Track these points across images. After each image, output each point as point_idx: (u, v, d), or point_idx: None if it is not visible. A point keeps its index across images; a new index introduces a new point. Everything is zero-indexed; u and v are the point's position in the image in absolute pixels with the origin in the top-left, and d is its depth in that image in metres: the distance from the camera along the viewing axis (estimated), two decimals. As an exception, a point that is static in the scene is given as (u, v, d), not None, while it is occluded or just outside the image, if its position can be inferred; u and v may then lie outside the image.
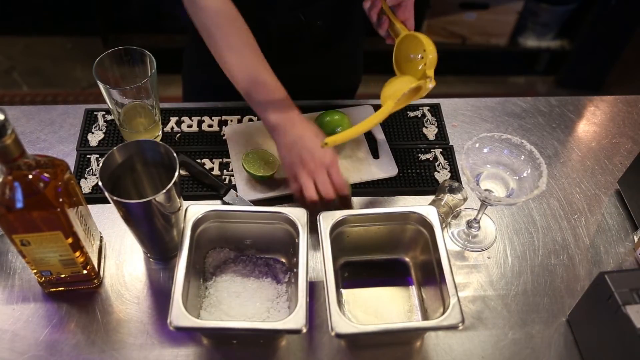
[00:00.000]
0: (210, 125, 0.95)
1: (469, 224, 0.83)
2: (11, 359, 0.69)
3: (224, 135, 0.93)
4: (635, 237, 0.84)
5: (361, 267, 0.78)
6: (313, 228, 0.78)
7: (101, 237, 0.79)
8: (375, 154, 0.92)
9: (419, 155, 0.92)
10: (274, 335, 0.71)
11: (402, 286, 0.77)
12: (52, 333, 0.72)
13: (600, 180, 0.92)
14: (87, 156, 0.90)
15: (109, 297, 0.75)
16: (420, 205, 0.78)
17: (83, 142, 0.92)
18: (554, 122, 1.00)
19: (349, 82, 1.16)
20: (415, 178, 0.90)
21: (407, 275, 0.78)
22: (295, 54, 1.00)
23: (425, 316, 0.73)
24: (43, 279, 0.72)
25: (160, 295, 0.76)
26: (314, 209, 0.74)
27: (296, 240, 0.71)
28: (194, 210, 0.72)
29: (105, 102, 0.84)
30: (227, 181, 0.88)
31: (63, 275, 0.72)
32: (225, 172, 0.89)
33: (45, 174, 0.61)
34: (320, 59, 1.04)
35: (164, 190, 0.66)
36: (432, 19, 2.16)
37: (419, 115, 0.98)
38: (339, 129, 0.88)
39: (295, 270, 0.69)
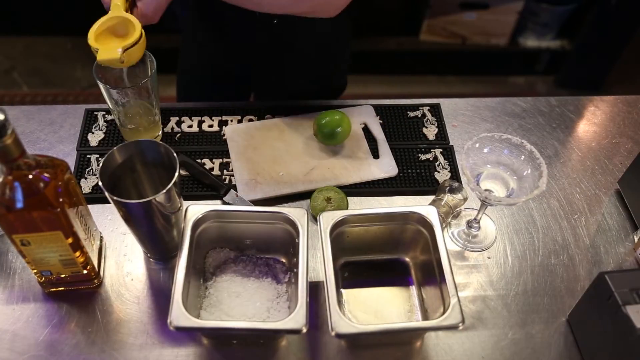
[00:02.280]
0: (210, 125, 0.95)
1: (469, 224, 0.83)
2: (11, 359, 0.69)
3: (224, 135, 0.93)
4: (635, 237, 0.84)
5: (361, 267, 0.78)
6: (313, 228, 0.78)
7: (101, 237, 0.79)
8: (375, 154, 0.92)
9: (419, 155, 0.92)
10: (274, 335, 0.71)
11: (402, 286, 0.77)
12: (52, 333, 0.72)
13: (600, 180, 0.92)
14: (87, 156, 0.90)
15: (109, 297, 0.75)
16: (420, 205, 0.78)
17: (83, 142, 0.92)
18: (554, 122, 1.00)
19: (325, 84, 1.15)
20: (415, 178, 0.90)
21: (407, 275, 0.78)
22: (251, 52, 1.02)
23: (425, 316, 0.73)
24: (43, 279, 0.72)
25: (160, 295, 0.76)
26: None
27: (296, 240, 0.71)
28: (194, 210, 0.72)
29: (105, 102, 0.84)
30: (227, 181, 0.88)
31: (63, 275, 0.72)
32: (225, 172, 0.89)
33: (46, 174, 0.61)
34: (279, 58, 1.04)
35: (164, 190, 0.66)
36: (432, 19, 2.16)
37: (419, 115, 0.98)
38: (339, 129, 0.88)
39: (295, 270, 0.69)
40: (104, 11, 0.77)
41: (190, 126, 0.95)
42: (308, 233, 0.70)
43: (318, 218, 0.72)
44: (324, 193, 0.83)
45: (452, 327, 0.64)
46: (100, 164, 0.68)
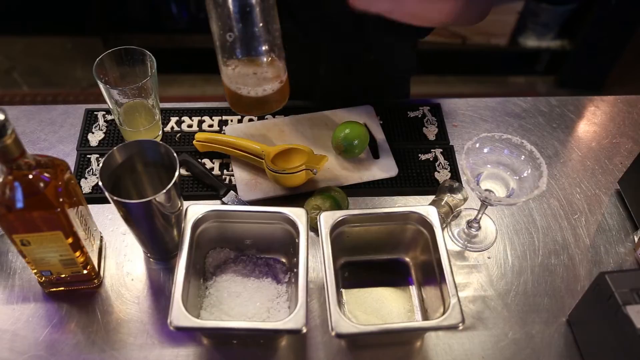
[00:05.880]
0: (210, 125, 0.95)
1: (469, 224, 0.83)
2: (11, 359, 0.69)
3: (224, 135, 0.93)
4: (635, 237, 0.84)
5: (361, 267, 0.78)
6: (313, 228, 0.78)
7: (101, 237, 0.79)
8: (376, 154, 0.92)
9: (419, 155, 0.92)
10: (274, 335, 0.71)
11: (402, 286, 0.77)
12: (52, 333, 0.72)
13: (600, 180, 0.92)
14: (87, 156, 0.90)
15: (109, 297, 0.75)
16: (420, 205, 0.78)
17: (83, 142, 0.92)
18: (554, 122, 1.00)
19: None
20: (415, 178, 0.90)
21: (407, 275, 0.78)
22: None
23: (425, 316, 0.73)
24: (43, 279, 0.72)
25: (160, 295, 0.76)
26: None
27: (296, 240, 0.71)
28: (194, 210, 0.72)
29: (105, 102, 0.84)
30: (227, 181, 0.88)
31: (63, 275, 0.72)
32: (225, 172, 0.89)
33: (46, 174, 0.61)
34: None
35: (164, 190, 0.66)
36: (432, 19, 2.16)
37: (419, 116, 0.98)
38: (356, 142, 0.87)
39: (295, 270, 0.69)
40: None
41: (190, 126, 0.95)
42: (308, 233, 0.70)
43: (318, 218, 0.72)
44: (313, 201, 0.82)
45: (452, 327, 0.64)
46: (101, 164, 0.68)
